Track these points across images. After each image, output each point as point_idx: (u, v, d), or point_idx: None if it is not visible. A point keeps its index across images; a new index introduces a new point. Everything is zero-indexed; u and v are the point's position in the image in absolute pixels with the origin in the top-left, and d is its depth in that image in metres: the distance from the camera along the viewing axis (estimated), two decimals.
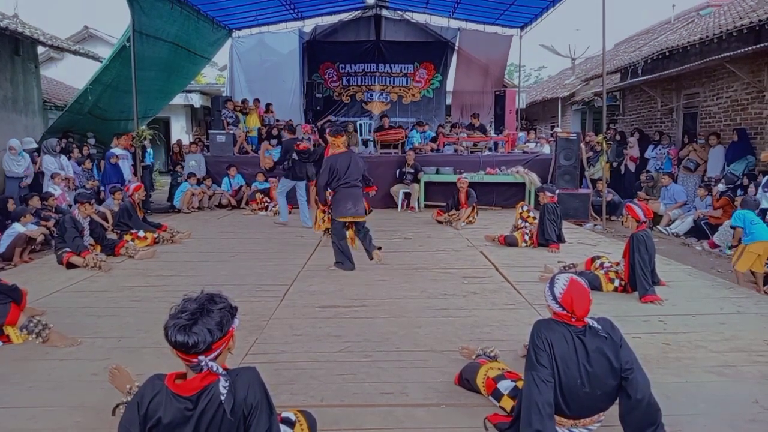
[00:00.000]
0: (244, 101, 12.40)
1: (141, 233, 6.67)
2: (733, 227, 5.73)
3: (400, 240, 7.12)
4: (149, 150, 11.34)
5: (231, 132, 11.01)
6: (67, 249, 5.54)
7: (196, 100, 18.11)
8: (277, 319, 3.95)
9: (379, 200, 10.09)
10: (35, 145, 9.12)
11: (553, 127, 18.41)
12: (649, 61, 11.65)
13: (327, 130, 5.69)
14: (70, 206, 8.02)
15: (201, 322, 1.68)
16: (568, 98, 17.73)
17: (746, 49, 8.17)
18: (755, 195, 7.29)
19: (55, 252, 5.73)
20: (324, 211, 5.70)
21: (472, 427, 2.47)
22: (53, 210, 7.61)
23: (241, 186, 10.48)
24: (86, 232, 5.89)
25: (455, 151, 11.48)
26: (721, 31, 8.90)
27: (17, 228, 6.53)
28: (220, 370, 1.72)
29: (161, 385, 1.75)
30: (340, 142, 5.33)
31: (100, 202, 8.96)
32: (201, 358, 1.69)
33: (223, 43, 13.64)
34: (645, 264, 4.35)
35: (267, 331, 3.70)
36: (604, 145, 9.22)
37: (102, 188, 9.43)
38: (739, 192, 7.92)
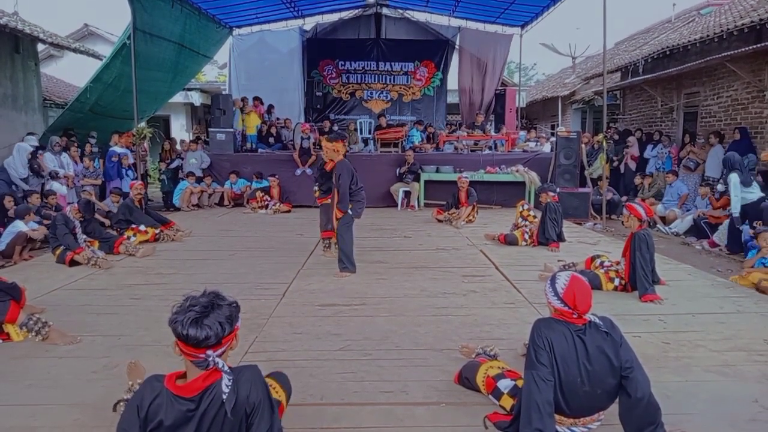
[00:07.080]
0: (243, 99, 12.38)
1: (142, 227, 6.67)
2: None
3: (400, 239, 7.12)
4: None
5: (232, 130, 10.98)
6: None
7: (196, 98, 18.05)
8: (276, 318, 3.95)
9: (379, 199, 10.11)
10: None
11: (553, 126, 18.41)
12: (649, 60, 11.64)
13: (326, 136, 5.59)
14: (71, 204, 8.02)
15: (213, 315, 1.68)
16: (568, 97, 17.72)
17: (747, 48, 8.16)
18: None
19: (52, 251, 5.70)
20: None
21: (471, 425, 2.47)
22: (53, 209, 7.60)
23: (247, 186, 10.40)
24: (78, 230, 5.81)
25: (455, 149, 11.48)
26: (722, 31, 8.89)
27: (19, 226, 6.51)
28: (225, 367, 1.71)
29: (161, 386, 1.72)
30: (340, 147, 5.34)
31: (103, 198, 8.99)
32: (209, 352, 1.68)
33: (224, 42, 13.63)
34: (646, 263, 4.35)
35: (267, 330, 3.70)
36: (604, 143, 9.20)
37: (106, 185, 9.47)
38: None
